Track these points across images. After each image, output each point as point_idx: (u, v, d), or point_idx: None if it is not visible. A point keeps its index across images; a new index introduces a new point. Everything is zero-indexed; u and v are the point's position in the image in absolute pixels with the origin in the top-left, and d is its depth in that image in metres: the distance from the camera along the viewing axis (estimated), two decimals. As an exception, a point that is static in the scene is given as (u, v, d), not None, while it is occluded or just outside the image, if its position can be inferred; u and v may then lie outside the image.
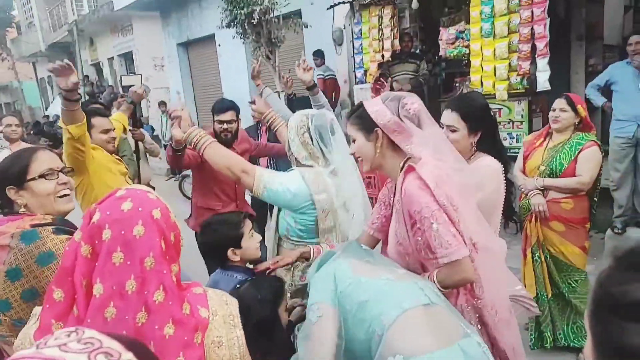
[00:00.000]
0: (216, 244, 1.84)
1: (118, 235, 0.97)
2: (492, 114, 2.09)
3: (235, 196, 3.21)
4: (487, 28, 4.74)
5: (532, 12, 4.43)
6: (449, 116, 1.94)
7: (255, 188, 1.86)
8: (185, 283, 1.13)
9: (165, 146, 8.98)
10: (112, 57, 15.19)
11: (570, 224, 2.86)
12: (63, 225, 1.51)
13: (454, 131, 1.92)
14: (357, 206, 1.93)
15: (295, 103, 3.94)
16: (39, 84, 22.19)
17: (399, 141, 1.54)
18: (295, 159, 2.02)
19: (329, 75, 7.28)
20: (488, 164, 1.90)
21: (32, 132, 4.00)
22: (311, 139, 1.95)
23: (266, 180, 1.86)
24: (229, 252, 1.81)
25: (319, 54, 7.40)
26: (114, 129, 3.02)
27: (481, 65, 4.83)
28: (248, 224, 1.87)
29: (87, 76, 15.33)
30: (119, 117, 3.52)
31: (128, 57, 14.48)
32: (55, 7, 17.32)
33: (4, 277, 1.37)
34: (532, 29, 4.45)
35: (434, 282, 1.49)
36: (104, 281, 0.95)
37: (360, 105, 1.63)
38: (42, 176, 1.51)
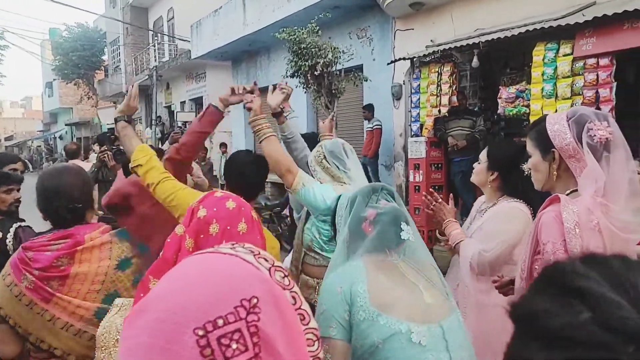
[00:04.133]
0: None
1: (225, 230, 1.04)
2: None
3: None
4: (549, 89, 4.68)
5: (598, 75, 4.34)
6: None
7: (294, 185, 2.06)
8: None
9: (222, 185, 9.32)
10: (184, 101, 16.29)
11: None
12: None
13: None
14: None
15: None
16: (117, 121, 24.19)
17: (574, 168, 1.39)
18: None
19: (376, 125, 7.50)
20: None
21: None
22: (329, 163, 2.18)
23: (305, 180, 2.09)
24: None
25: (368, 108, 7.62)
26: None
27: (541, 126, 4.73)
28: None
29: (159, 117, 16.48)
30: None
31: (198, 102, 15.48)
32: (140, 54, 19.04)
33: (113, 269, 1.38)
34: (597, 92, 4.35)
35: None
36: None
37: (544, 118, 1.49)
38: None
